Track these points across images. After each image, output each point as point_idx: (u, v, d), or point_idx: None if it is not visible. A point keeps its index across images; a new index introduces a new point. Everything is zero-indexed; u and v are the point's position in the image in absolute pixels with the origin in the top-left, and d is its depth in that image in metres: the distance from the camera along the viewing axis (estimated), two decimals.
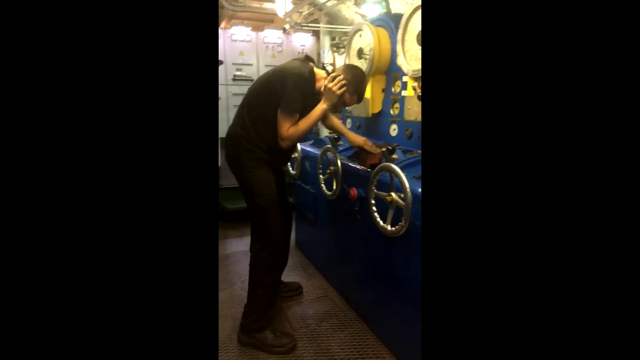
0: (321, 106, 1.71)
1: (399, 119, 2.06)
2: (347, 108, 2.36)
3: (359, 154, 1.86)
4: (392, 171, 1.47)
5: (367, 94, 2.20)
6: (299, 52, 5.32)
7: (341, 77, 1.68)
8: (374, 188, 1.58)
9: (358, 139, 1.88)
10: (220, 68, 5.01)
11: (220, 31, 4.85)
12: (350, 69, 1.75)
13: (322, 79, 1.73)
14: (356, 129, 2.51)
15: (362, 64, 2.18)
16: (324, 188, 2.08)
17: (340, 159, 1.96)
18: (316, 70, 1.77)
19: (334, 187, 1.98)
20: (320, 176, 2.11)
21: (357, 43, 2.24)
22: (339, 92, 1.68)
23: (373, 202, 1.60)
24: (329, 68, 1.79)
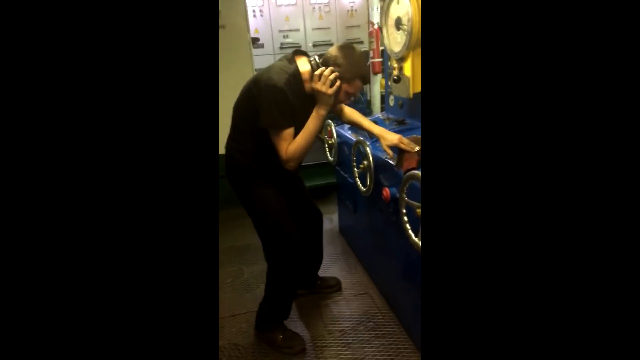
0: (317, 113, 1.43)
1: None
2: (390, 84, 2.10)
3: (398, 152, 1.60)
4: (419, 180, 1.25)
5: (407, 71, 1.91)
6: (348, 11, 4.94)
7: (327, 71, 1.37)
8: (404, 196, 1.37)
9: (390, 138, 1.58)
10: (267, 36, 4.84)
11: None
12: (341, 51, 1.42)
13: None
14: (399, 108, 2.24)
15: (401, 36, 1.88)
16: (359, 182, 1.90)
17: (373, 154, 1.75)
18: (303, 68, 1.46)
19: (368, 183, 1.79)
20: (355, 169, 1.92)
21: (394, 11, 1.92)
22: (330, 91, 1.38)
23: (404, 211, 1.40)
24: (315, 58, 1.45)
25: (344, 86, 1.44)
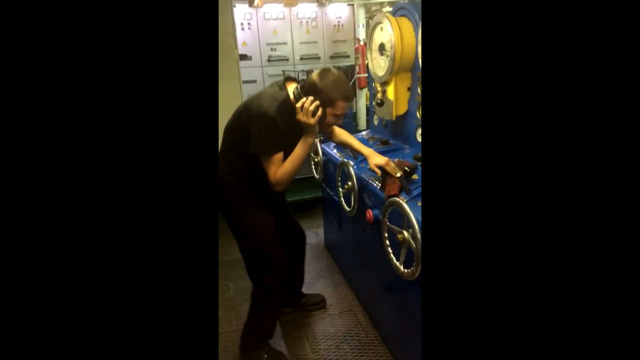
0: (304, 141, 1.50)
1: None
2: (375, 105, 2.15)
3: (382, 175, 1.64)
4: (401, 208, 1.29)
5: (390, 94, 1.97)
6: (334, 26, 5.02)
7: (307, 102, 1.42)
8: (386, 221, 1.42)
9: (377, 159, 1.63)
10: (254, 49, 4.88)
11: (252, 11, 4.68)
12: (319, 76, 1.47)
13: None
14: (383, 128, 2.30)
15: (385, 62, 1.94)
16: (343, 202, 1.94)
17: (357, 175, 1.80)
18: (293, 95, 1.52)
19: (352, 204, 1.83)
20: (340, 189, 1.97)
21: (378, 37, 1.99)
22: (312, 121, 1.44)
23: (386, 235, 1.44)
24: (296, 89, 1.51)
25: (329, 110, 1.49)
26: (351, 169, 1.79)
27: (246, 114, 1.50)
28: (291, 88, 1.53)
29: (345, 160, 1.89)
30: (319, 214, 2.92)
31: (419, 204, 1.40)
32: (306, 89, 1.48)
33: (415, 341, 1.55)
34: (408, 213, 1.26)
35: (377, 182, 1.67)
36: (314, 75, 1.48)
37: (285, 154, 1.51)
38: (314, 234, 2.92)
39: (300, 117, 1.44)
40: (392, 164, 1.58)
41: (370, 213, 1.63)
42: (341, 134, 1.83)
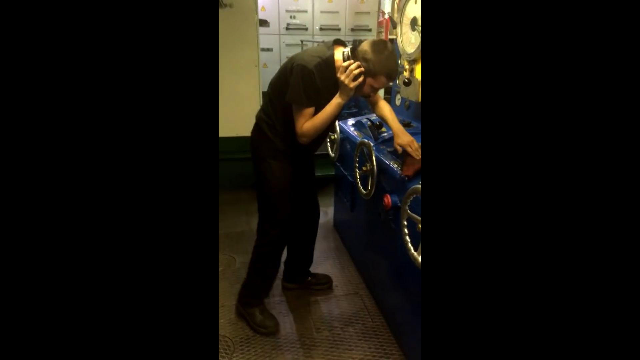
0: (335, 101, 1.52)
1: None
2: (398, 84, 2.05)
3: (403, 155, 1.58)
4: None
5: (419, 74, 1.86)
6: None
7: (354, 65, 1.44)
8: (407, 209, 1.35)
9: (403, 138, 1.57)
10: (273, 16, 4.70)
11: None
12: (373, 46, 1.47)
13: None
14: (405, 109, 2.20)
15: (416, 37, 1.82)
16: (360, 184, 1.87)
17: (377, 157, 1.72)
18: (338, 57, 1.53)
19: (369, 187, 1.76)
20: (357, 170, 1.89)
21: (411, 11, 1.86)
22: (352, 84, 1.45)
23: (405, 223, 1.38)
24: (348, 50, 1.51)
25: (369, 80, 1.49)
26: (372, 150, 1.71)
27: (290, 67, 1.53)
28: (338, 51, 1.54)
29: (365, 140, 1.80)
30: (330, 193, 2.87)
31: None
32: (356, 53, 1.48)
33: (414, 332, 1.52)
34: None
35: (397, 166, 1.59)
36: (367, 43, 1.49)
37: (316, 111, 1.54)
38: (323, 213, 2.85)
39: (342, 76, 1.46)
40: (416, 145, 1.51)
41: (388, 198, 1.56)
42: (384, 107, 1.76)
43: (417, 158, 1.48)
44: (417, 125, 2.03)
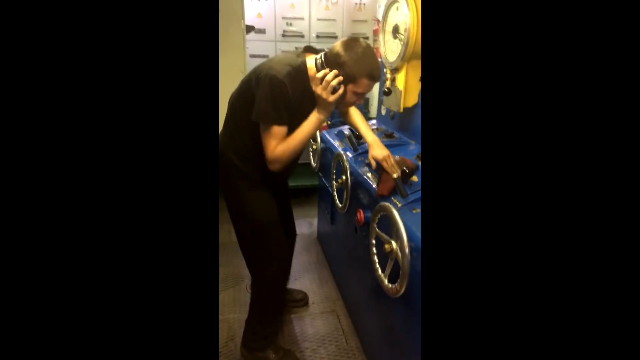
0: (314, 117, 1.31)
1: None
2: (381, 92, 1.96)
3: (378, 169, 1.48)
4: (390, 214, 1.13)
5: (400, 83, 1.78)
6: (356, 4, 4.75)
7: (330, 75, 1.24)
8: (375, 227, 1.26)
9: (378, 151, 1.44)
10: (269, 22, 4.66)
11: None
12: (344, 46, 1.26)
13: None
14: (390, 119, 2.11)
15: (397, 45, 1.74)
16: (336, 197, 1.78)
17: (353, 170, 1.63)
18: (310, 64, 1.33)
19: (344, 200, 1.67)
20: (333, 182, 1.80)
21: (393, 18, 1.78)
22: (331, 98, 1.26)
23: (373, 242, 1.28)
24: (321, 57, 1.30)
25: (350, 87, 1.29)
26: (346, 162, 1.62)
27: (255, 80, 1.29)
28: (310, 59, 1.34)
29: (342, 152, 1.72)
30: (315, 203, 2.78)
31: (415, 211, 1.24)
32: (328, 58, 1.27)
33: (393, 355, 1.41)
34: (397, 221, 1.10)
35: (374, 181, 1.50)
36: (339, 45, 1.28)
37: (290, 129, 1.31)
38: (308, 224, 2.78)
39: (319, 90, 1.26)
40: (392, 160, 1.41)
41: (361, 214, 1.47)
42: (355, 114, 1.64)
43: (393, 175, 1.37)
44: (399, 136, 1.95)
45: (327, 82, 1.23)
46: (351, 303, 1.94)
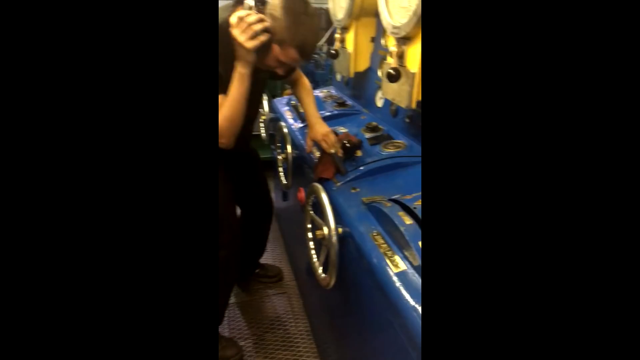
0: (237, 73, 1.06)
1: None
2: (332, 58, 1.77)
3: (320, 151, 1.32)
4: (317, 196, 0.99)
5: (350, 44, 1.59)
6: None
7: (254, 17, 0.98)
8: (309, 210, 1.12)
9: (317, 130, 1.27)
10: None
11: None
12: (286, 3, 1.03)
13: None
14: (344, 85, 1.94)
15: (346, 1, 1.54)
16: (281, 173, 1.63)
17: (296, 143, 1.47)
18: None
19: (288, 177, 1.52)
20: (278, 157, 1.64)
21: None
22: (249, 44, 0.99)
23: (309, 226, 1.15)
24: (256, 3, 1.03)
25: (275, 48, 1.05)
26: (287, 135, 1.46)
27: None
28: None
29: (283, 123, 1.54)
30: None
31: (355, 190, 1.10)
32: (259, 7, 1.03)
33: (337, 340, 1.32)
34: (323, 204, 0.96)
35: (317, 157, 1.35)
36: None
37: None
38: None
39: (236, 31, 0.99)
40: (332, 139, 1.25)
41: (302, 193, 1.33)
42: (302, 88, 1.43)
43: (331, 151, 1.21)
44: (353, 104, 1.79)
45: (246, 23, 0.98)
46: (302, 284, 1.83)
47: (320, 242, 1.06)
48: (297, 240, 1.96)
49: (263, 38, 1.01)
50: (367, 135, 1.40)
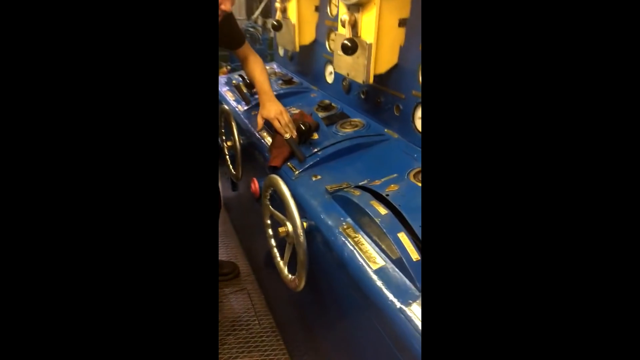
0: None
1: None
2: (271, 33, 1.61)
3: (271, 131, 1.20)
4: (277, 188, 0.88)
5: (292, 15, 1.44)
6: None
7: None
8: (268, 204, 1.00)
9: (269, 109, 1.17)
10: None
11: None
12: None
13: None
14: (288, 60, 1.79)
15: None
16: (229, 163, 1.47)
17: (245, 129, 1.32)
18: None
19: (237, 167, 1.37)
20: (224, 144, 1.48)
21: None
22: None
23: (268, 222, 1.03)
24: None
25: None
26: (232, 121, 1.30)
27: None
28: None
29: (226, 107, 1.38)
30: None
31: (316, 178, 1.00)
32: None
33: (306, 337, 1.24)
34: (286, 198, 0.85)
35: (269, 142, 1.22)
36: None
37: None
38: None
39: None
40: (286, 118, 1.13)
41: (256, 184, 1.19)
42: (254, 64, 1.31)
43: (286, 136, 1.10)
44: (300, 81, 1.66)
45: None
46: (263, 278, 1.72)
47: (283, 240, 0.95)
48: (251, 231, 1.83)
49: None
50: (321, 114, 1.29)
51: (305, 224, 0.87)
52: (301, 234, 0.84)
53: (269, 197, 1.00)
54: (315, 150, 1.07)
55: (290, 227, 0.89)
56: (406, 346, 0.65)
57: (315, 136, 1.14)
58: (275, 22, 1.45)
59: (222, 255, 1.91)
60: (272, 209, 0.99)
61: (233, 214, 2.16)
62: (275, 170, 1.08)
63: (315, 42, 1.50)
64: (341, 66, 1.15)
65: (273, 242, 1.03)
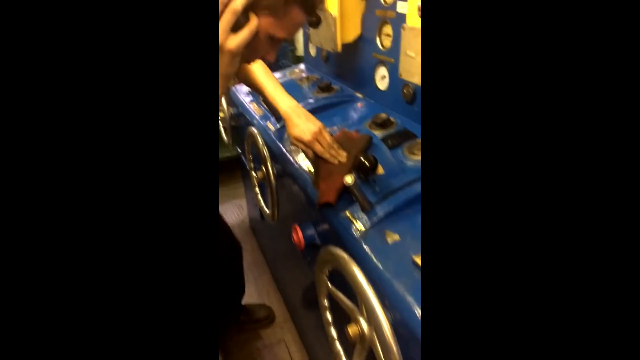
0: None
1: (393, 60, 1.05)
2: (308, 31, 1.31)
3: (313, 159, 0.88)
4: (345, 269, 0.57)
5: (333, 7, 1.13)
6: None
7: None
8: (326, 280, 0.70)
9: (300, 127, 0.84)
10: None
11: None
12: None
13: None
14: (323, 62, 1.48)
15: None
16: (259, 197, 1.18)
17: (277, 155, 1.02)
18: None
19: (271, 207, 1.08)
20: (253, 174, 1.19)
21: None
22: (233, 44, 0.62)
23: (326, 304, 0.73)
24: None
25: (264, 23, 0.66)
26: (263, 148, 1.00)
27: None
28: None
29: (254, 129, 1.08)
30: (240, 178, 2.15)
31: (392, 238, 0.69)
32: None
33: None
34: (360, 285, 0.55)
35: (312, 176, 0.91)
36: None
37: None
38: (237, 207, 2.16)
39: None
40: (328, 138, 0.83)
41: (299, 234, 0.89)
42: (255, 68, 0.95)
43: (346, 180, 0.77)
44: (340, 87, 1.34)
45: (224, 5, 0.60)
46: (303, 326, 1.43)
47: (344, 319, 0.65)
48: (289, 274, 1.53)
49: (252, 27, 0.64)
50: (378, 133, 0.97)
51: (389, 317, 0.57)
52: (389, 335, 0.54)
53: (327, 274, 0.70)
54: (385, 194, 0.76)
55: (364, 324, 0.59)
56: None
57: (380, 171, 0.83)
58: (313, 18, 1.14)
59: (253, 294, 1.64)
60: (331, 287, 0.69)
61: (261, 239, 1.88)
62: (329, 207, 0.77)
63: (360, 38, 1.19)
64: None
65: (334, 333, 0.73)
